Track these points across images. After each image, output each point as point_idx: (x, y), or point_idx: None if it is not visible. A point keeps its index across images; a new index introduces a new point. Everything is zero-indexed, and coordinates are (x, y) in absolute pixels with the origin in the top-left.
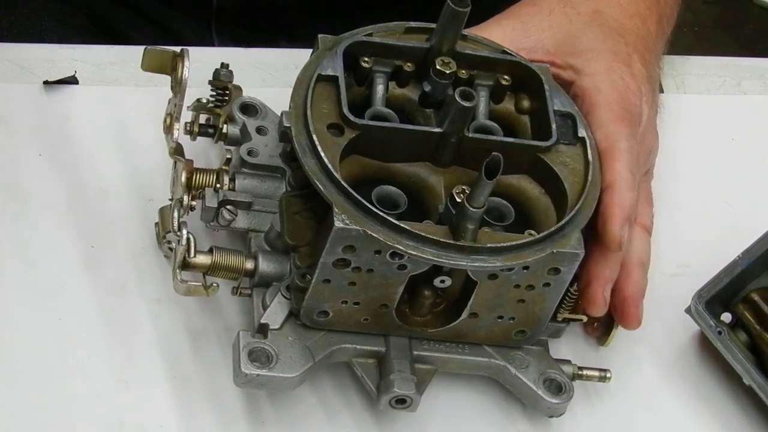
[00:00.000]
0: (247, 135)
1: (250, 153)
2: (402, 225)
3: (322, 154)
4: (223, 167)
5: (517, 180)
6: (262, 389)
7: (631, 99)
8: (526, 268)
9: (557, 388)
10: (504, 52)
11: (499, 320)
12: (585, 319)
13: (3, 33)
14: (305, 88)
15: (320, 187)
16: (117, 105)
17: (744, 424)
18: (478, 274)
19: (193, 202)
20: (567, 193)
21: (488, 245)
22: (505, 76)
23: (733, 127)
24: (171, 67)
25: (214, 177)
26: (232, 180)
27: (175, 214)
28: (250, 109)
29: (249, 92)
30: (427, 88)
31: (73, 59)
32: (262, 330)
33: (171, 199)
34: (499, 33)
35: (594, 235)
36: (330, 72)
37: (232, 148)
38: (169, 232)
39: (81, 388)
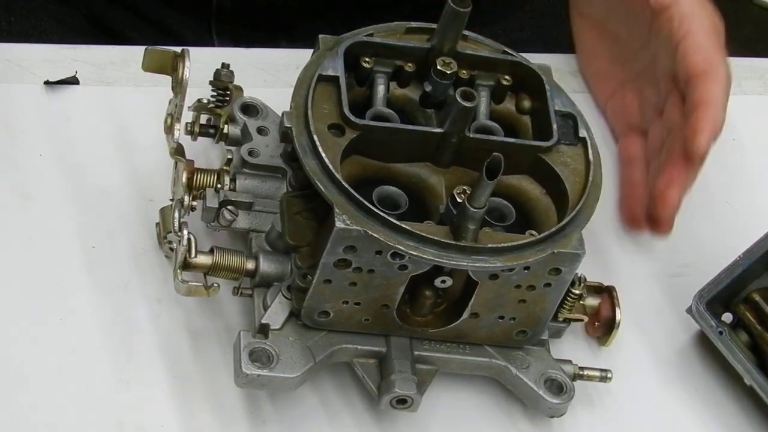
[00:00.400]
0: (248, 135)
1: (250, 153)
2: (403, 225)
3: (323, 155)
4: (224, 167)
5: (517, 180)
6: (263, 389)
7: (721, 39)
8: (527, 268)
9: (558, 389)
10: (505, 52)
11: (500, 320)
12: (586, 319)
13: (2, 34)
14: (306, 89)
15: (321, 187)
16: (117, 105)
17: (745, 424)
18: (479, 275)
19: (194, 203)
20: (568, 193)
21: (489, 245)
22: (506, 76)
23: (734, 127)
24: (171, 67)
25: (215, 177)
26: (233, 180)
27: (176, 215)
28: (250, 109)
29: (250, 92)
30: (428, 88)
31: (74, 59)
32: (263, 330)
33: (172, 200)
34: None
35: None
36: (331, 72)
37: (232, 148)
38: (170, 232)
39: (81, 388)
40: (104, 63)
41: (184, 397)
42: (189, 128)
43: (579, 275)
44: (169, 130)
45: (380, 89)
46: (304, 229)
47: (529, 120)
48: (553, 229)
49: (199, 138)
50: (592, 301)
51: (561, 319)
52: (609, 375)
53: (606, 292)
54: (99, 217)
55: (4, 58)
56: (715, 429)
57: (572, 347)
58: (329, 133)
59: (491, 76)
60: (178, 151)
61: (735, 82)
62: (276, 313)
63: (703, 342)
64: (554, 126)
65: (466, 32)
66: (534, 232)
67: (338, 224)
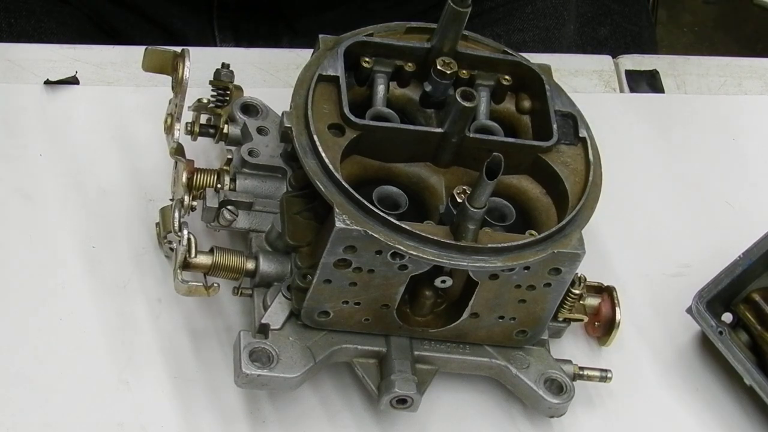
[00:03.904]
0: (248, 135)
1: (251, 153)
2: (403, 225)
3: (323, 155)
4: (224, 167)
5: (518, 180)
6: (263, 389)
7: None
8: (527, 268)
9: (558, 388)
10: (505, 52)
11: (500, 320)
12: (586, 319)
13: (3, 35)
14: (306, 89)
15: (321, 187)
16: (117, 105)
17: (745, 424)
18: (479, 275)
19: (194, 203)
20: (568, 193)
21: (489, 245)
22: (506, 76)
23: (734, 127)
24: (172, 67)
25: (215, 177)
26: (233, 180)
27: (176, 215)
28: (250, 109)
29: (250, 92)
30: (428, 88)
31: (74, 59)
32: (263, 330)
33: (172, 200)
34: None
35: None
36: (331, 72)
37: (233, 148)
38: (170, 232)
39: (82, 388)
40: (104, 63)
41: (185, 397)
42: (189, 128)
43: (579, 275)
44: (169, 130)
45: (380, 89)
46: (304, 229)
47: (529, 120)
48: (553, 229)
49: (199, 138)
50: (592, 301)
51: (561, 319)
52: (609, 375)
53: (606, 292)
54: (99, 217)
55: (5, 58)
56: (715, 428)
57: (572, 347)
58: (329, 133)
59: (491, 76)
60: (178, 151)
61: (735, 82)
62: (276, 313)
63: (703, 342)
64: (554, 126)
65: (466, 32)
66: (534, 232)
67: (338, 224)
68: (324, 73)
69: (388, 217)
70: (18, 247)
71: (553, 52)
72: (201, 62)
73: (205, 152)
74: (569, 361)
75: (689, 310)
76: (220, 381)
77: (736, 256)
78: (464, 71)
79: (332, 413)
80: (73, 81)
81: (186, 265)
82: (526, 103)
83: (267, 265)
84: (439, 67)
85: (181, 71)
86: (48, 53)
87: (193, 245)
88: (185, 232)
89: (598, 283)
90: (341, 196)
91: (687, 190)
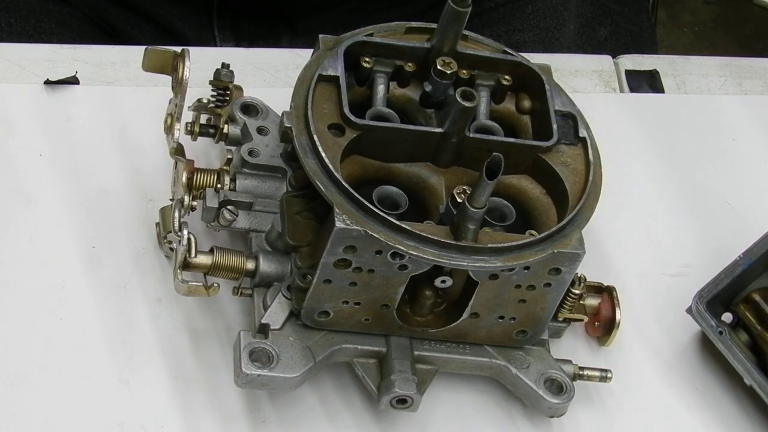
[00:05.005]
0: (248, 135)
1: (251, 153)
2: (403, 225)
3: (323, 155)
4: (224, 167)
5: (518, 180)
6: (263, 389)
7: None
8: (527, 268)
9: (558, 388)
10: (505, 52)
11: (500, 320)
12: (586, 319)
13: (3, 35)
14: (306, 89)
15: (321, 187)
16: (117, 105)
17: (745, 424)
18: (479, 275)
19: (194, 203)
20: (568, 193)
21: (489, 245)
22: (506, 76)
23: (734, 127)
24: (172, 67)
25: (215, 177)
26: (233, 180)
27: (176, 215)
28: (250, 109)
29: (250, 92)
30: (428, 88)
31: (74, 59)
32: (263, 330)
33: (172, 199)
34: None
35: None
36: (331, 72)
37: (233, 148)
38: (170, 232)
39: (82, 388)
40: (104, 63)
41: (185, 397)
42: (189, 128)
43: (579, 275)
44: (169, 130)
45: (380, 89)
46: (304, 229)
47: (529, 120)
48: (553, 229)
49: (199, 138)
50: (592, 301)
51: (561, 319)
52: (609, 375)
53: (606, 292)
54: (99, 217)
55: (4, 58)
56: (715, 428)
57: (572, 347)
58: (329, 133)
59: (491, 76)
60: (178, 151)
61: (735, 82)
62: (276, 313)
63: (703, 342)
64: (554, 126)
65: (466, 32)
66: (534, 232)
67: (338, 224)
68: (324, 73)
69: (388, 217)
70: (18, 247)
71: (553, 52)
72: (201, 62)
73: (205, 152)
74: (569, 361)
75: (689, 310)
76: (220, 381)
77: (736, 256)
78: (464, 71)
79: (332, 413)
80: (73, 81)
81: (186, 265)
82: (526, 103)
83: (267, 265)
84: (439, 67)
85: (181, 71)
86: (48, 53)
87: (193, 245)
88: (185, 232)
89: (598, 283)
90: (341, 196)
91: (687, 190)
